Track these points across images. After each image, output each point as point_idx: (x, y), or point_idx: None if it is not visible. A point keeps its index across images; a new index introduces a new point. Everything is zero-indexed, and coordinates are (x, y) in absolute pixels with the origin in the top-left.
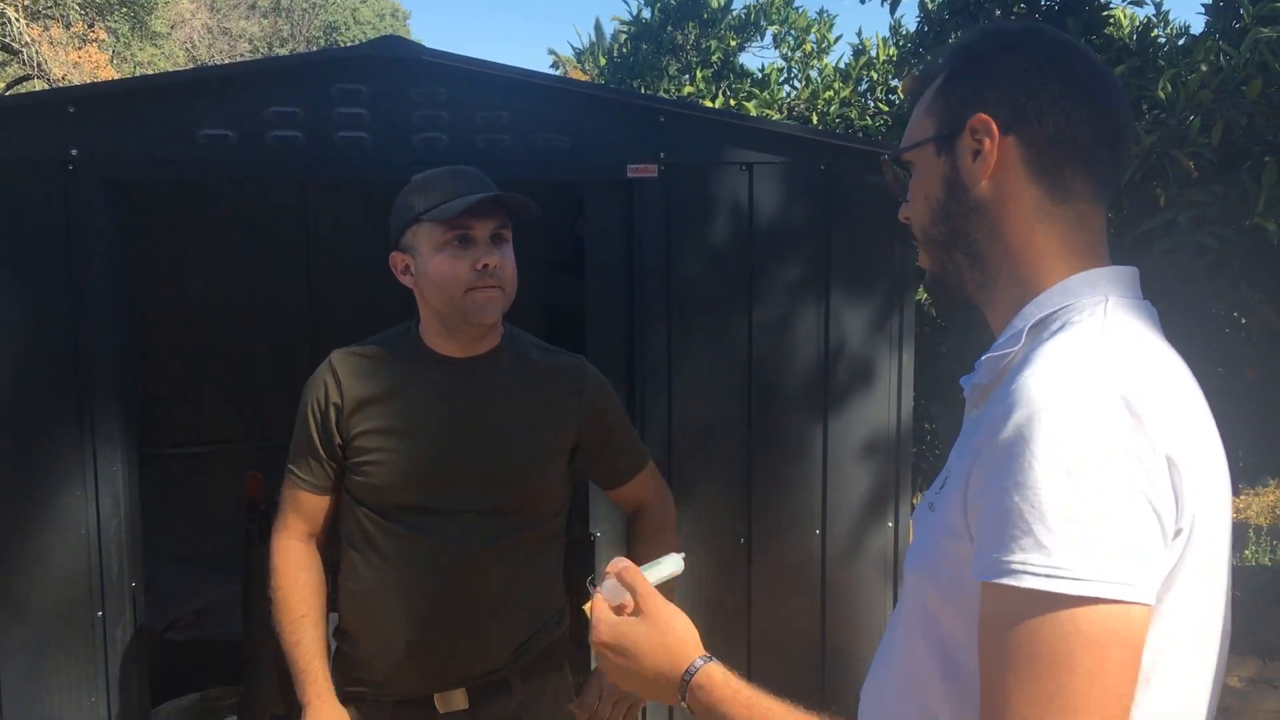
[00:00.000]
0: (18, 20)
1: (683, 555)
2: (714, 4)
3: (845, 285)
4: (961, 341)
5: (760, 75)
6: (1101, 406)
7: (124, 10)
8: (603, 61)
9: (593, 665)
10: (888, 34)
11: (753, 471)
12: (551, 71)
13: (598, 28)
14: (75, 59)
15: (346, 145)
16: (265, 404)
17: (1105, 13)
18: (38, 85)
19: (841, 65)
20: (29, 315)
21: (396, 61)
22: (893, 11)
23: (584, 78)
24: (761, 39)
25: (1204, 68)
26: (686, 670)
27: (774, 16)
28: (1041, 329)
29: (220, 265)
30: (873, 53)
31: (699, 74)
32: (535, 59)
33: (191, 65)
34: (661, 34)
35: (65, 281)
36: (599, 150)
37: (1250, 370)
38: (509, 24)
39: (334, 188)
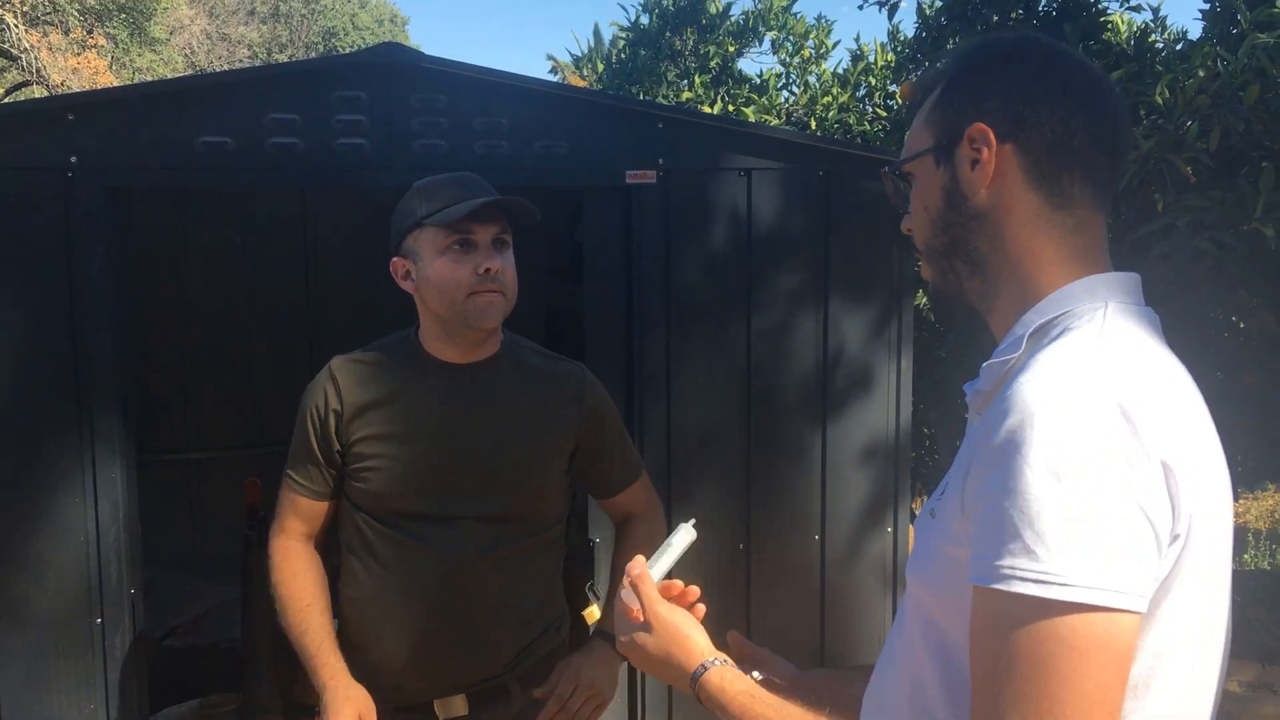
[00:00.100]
0: (16, 26)
1: (692, 522)
2: (712, 10)
3: (844, 291)
4: (960, 346)
5: (759, 81)
6: (1094, 412)
7: (123, 16)
8: (601, 68)
9: None
10: (886, 40)
11: (752, 477)
12: (550, 77)
13: (596, 33)
14: (74, 65)
15: (345, 152)
16: (265, 410)
17: (1103, 18)
18: (37, 91)
19: (840, 71)
20: (29, 321)
21: (395, 68)
22: (891, 17)
23: (582, 84)
24: (760, 45)
25: (1201, 73)
26: (693, 677)
27: (772, 22)
28: (1041, 335)
29: (220, 271)
30: (871, 58)
31: (697, 80)
32: (534, 64)
33: (190, 71)
34: (660, 40)
35: (65, 288)
36: (598, 156)
37: (1249, 375)
38: (507, 29)
39: (333, 194)
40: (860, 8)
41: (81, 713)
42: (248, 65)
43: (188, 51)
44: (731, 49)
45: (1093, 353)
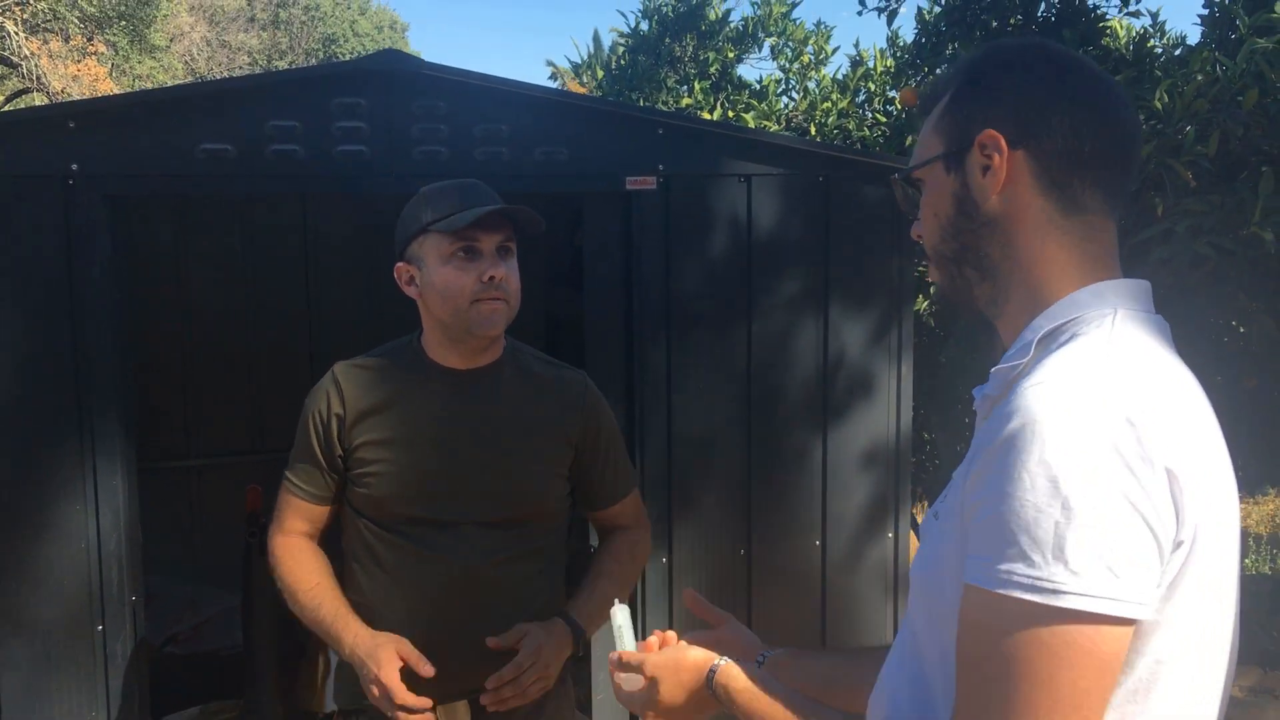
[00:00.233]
0: (17, 34)
1: (625, 607)
2: (712, 16)
3: (844, 296)
4: (961, 351)
5: (758, 86)
6: (1097, 418)
7: (123, 24)
8: (600, 74)
9: (593, 677)
10: (885, 45)
11: (752, 483)
12: (549, 84)
13: (596, 39)
14: (74, 72)
15: (346, 159)
16: (265, 417)
17: (1102, 24)
18: (37, 98)
19: (839, 76)
20: (30, 328)
21: (396, 75)
22: (890, 23)
23: (582, 90)
24: (759, 50)
25: (1200, 78)
26: (709, 689)
27: (772, 28)
28: (1050, 341)
29: (220, 278)
30: (870, 64)
31: (697, 86)
32: (533, 71)
33: (190, 78)
34: (659, 46)
35: (66, 295)
36: (598, 163)
37: (1249, 379)
38: (507, 36)
39: (334, 201)
40: (859, 14)
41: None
42: (248, 72)
43: (188, 58)
44: (731, 55)
45: (1099, 359)
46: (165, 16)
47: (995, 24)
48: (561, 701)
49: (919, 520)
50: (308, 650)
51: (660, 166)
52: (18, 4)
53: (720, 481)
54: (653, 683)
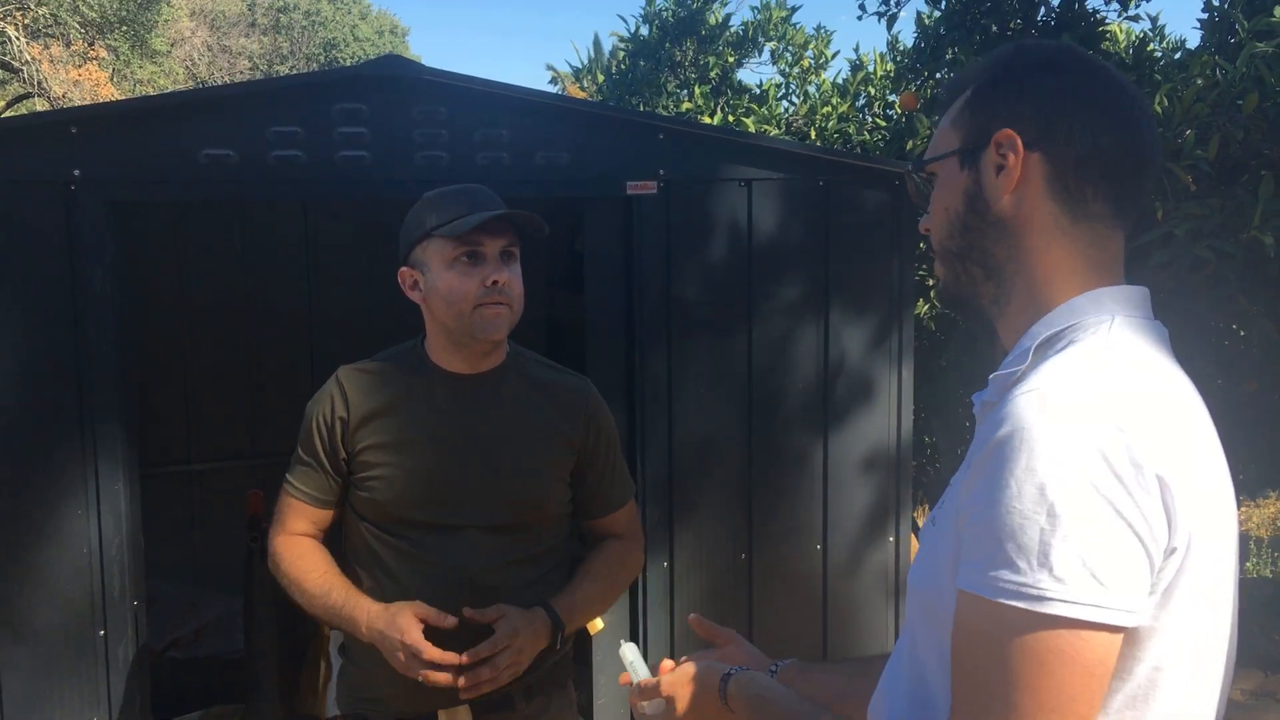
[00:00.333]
0: (18, 39)
1: (632, 644)
2: (712, 21)
3: (844, 300)
4: (961, 355)
5: (758, 91)
6: (1085, 426)
7: (124, 29)
8: (601, 78)
9: (594, 684)
10: (885, 50)
11: (753, 487)
12: (549, 88)
13: (596, 44)
14: (75, 77)
15: (347, 164)
16: (267, 421)
17: (1101, 28)
18: (38, 103)
19: (839, 81)
20: (32, 334)
21: (397, 81)
22: (889, 28)
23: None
24: (759, 55)
25: (1200, 82)
26: (720, 696)
27: (772, 33)
28: (1047, 348)
29: (222, 284)
30: (870, 68)
31: (697, 90)
32: (534, 74)
33: (191, 82)
34: (660, 51)
35: (67, 301)
36: (599, 167)
37: (1250, 382)
38: (508, 40)
39: (335, 206)
40: (859, 18)
41: None
42: (248, 77)
43: (189, 63)
44: (731, 59)
45: (1092, 366)
46: (166, 21)
47: (995, 29)
48: (563, 705)
49: (920, 524)
50: (309, 655)
51: (661, 171)
52: (19, 9)
53: (721, 486)
54: (670, 700)
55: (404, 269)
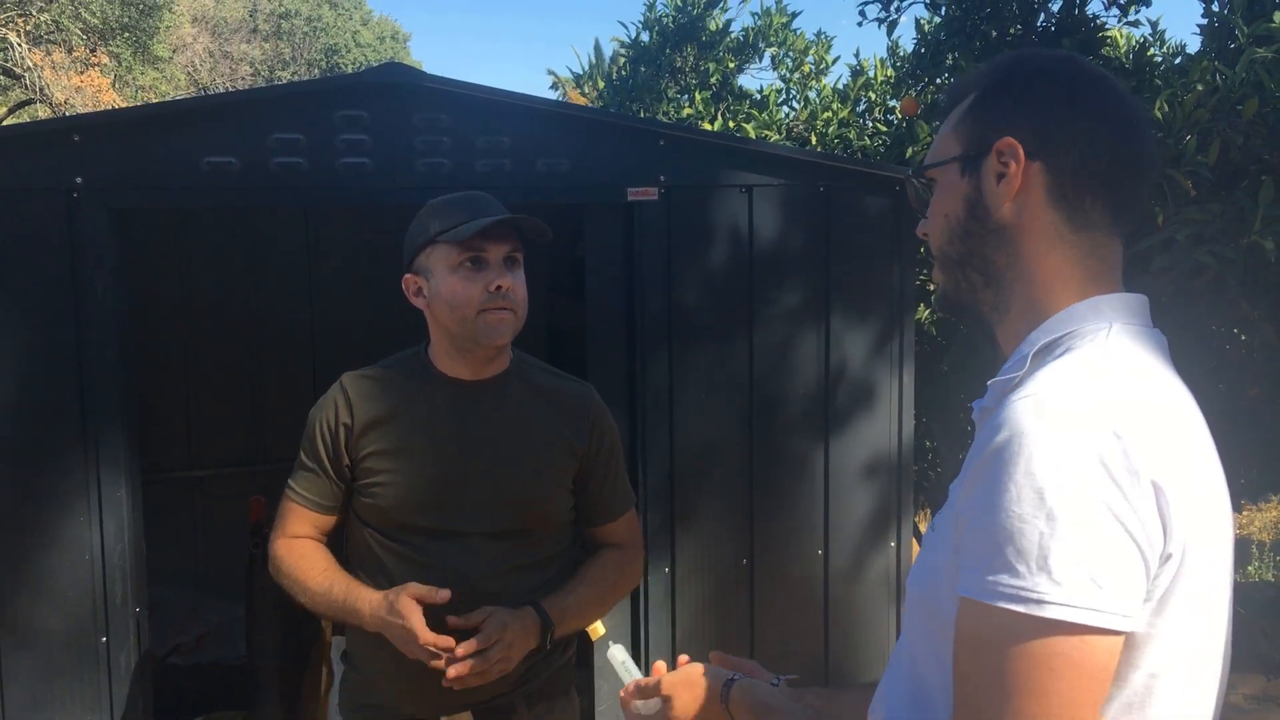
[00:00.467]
0: (20, 45)
1: (620, 645)
2: (712, 27)
3: (845, 306)
4: (962, 360)
5: (759, 96)
6: (1082, 431)
7: (126, 35)
8: (602, 84)
9: (596, 690)
10: (885, 55)
11: (754, 493)
12: (550, 93)
13: (597, 49)
14: (77, 83)
15: (349, 171)
16: (268, 427)
17: (1101, 33)
18: (40, 109)
19: (840, 86)
20: (33, 340)
21: (398, 88)
22: (890, 33)
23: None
24: (760, 61)
25: (1200, 87)
26: (720, 701)
27: (772, 38)
28: (1045, 354)
29: (224, 290)
30: (871, 74)
31: (698, 96)
32: (535, 80)
33: (193, 88)
34: (660, 56)
35: (69, 308)
36: (599, 174)
37: (1252, 387)
38: (509, 46)
39: (336, 213)
40: (860, 24)
41: None
42: (250, 83)
43: (190, 69)
44: (732, 65)
45: (1089, 372)
46: (168, 28)
47: (995, 34)
48: (566, 711)
49: (921, 529)
50: (311, 661)
51: (661, 177)
52: (21, 16)
53: (722, 491)
54: (667, 700)
55: (408, 276)
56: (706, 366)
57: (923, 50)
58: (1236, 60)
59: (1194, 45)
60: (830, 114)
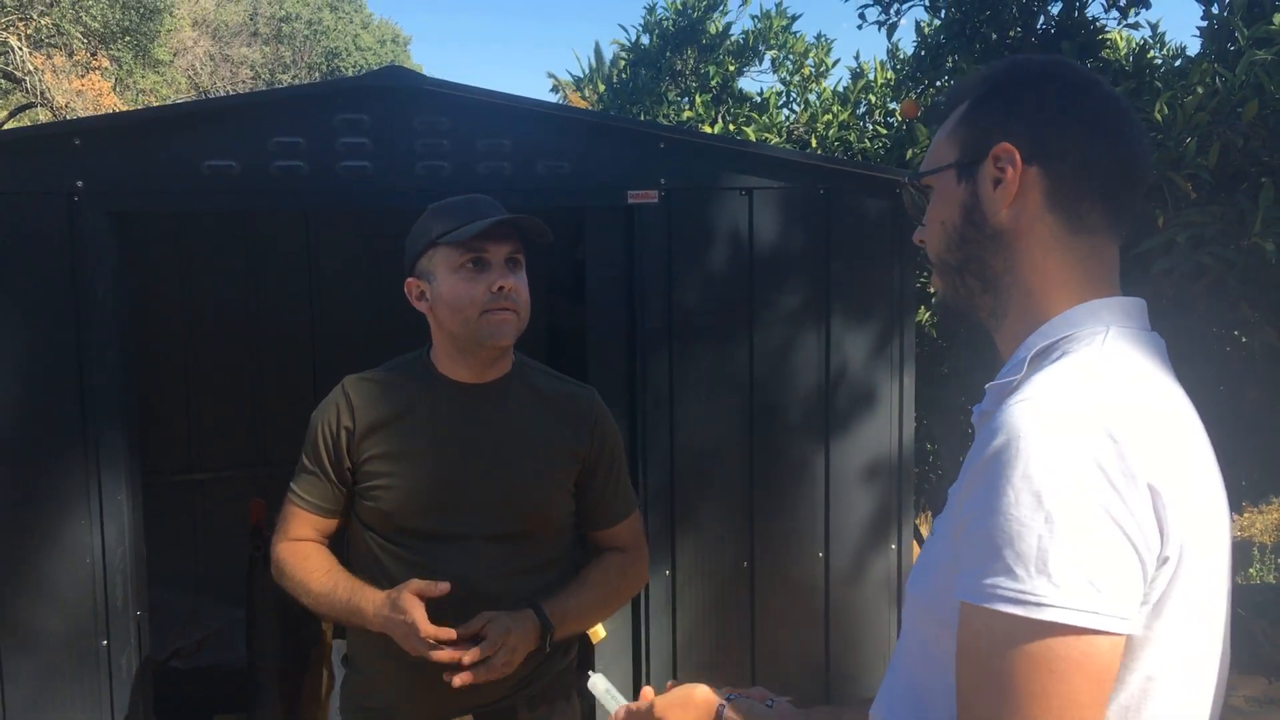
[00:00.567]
0: (21, 49)
1: (600, 674)
2: (712, 29)
3: (845, 308)
4: (963, 362)
5: (759, 99)
6: (1078, 434)
7: (127, 39)
8: (602, 88)
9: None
10: (885, 58)
11: (755, 495)
12: (551, 96)
13: (597, 52)
14: (78, 87)
15: (349, 174)
16: (268, 430)
17: (1101, 36)
18: (41, 113)
19: (840, 89)
20: (34, 344)
21: (398, 91)
22: (890, 36)
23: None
24: (760, 63)
25: (1200, 90)
26: None
27: (772, 41)
28: (1042, 358)
29: (224, 293)
30: (871, 76)
31: (698, 99)
32: (535, 83)
33: (194, 92)
34: (660, 59)
35: (70, 311)
36: (600, 176)
37: (1253, 390)
38: (509, 49)
39: (337, 216)
40: (859, 27)
41: None
42: (251, 86)
43: (191, 73)
44: (732, 68)
45: (1085, 375)
46: (169, 31)
47: (995, 37)
48: (567, 715)
49: (923, 531)
50: (311, 664)
51: (662, 180)
52: (22, 20)
53: (723, 494)
54: None
55: (410, 279)
56: (707, 369)
57: (922, 53)
58: (1236, 62)
59: (1194, 47)
60: (830, 116)
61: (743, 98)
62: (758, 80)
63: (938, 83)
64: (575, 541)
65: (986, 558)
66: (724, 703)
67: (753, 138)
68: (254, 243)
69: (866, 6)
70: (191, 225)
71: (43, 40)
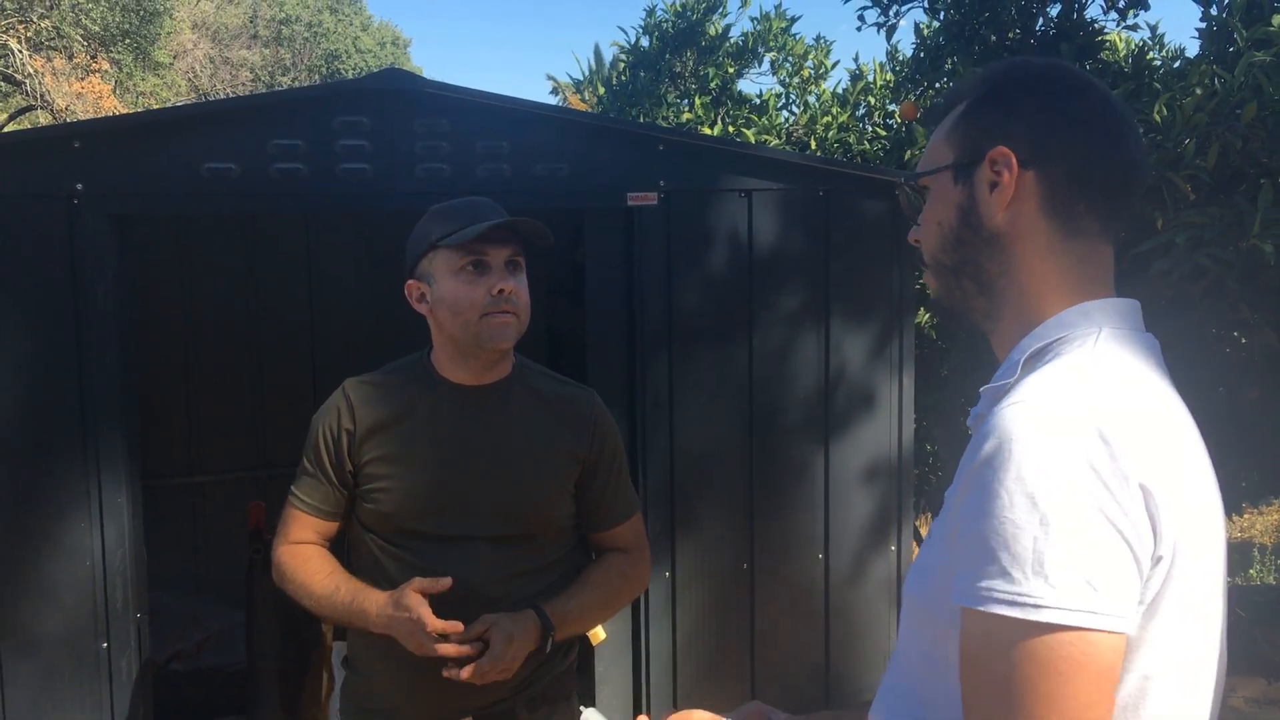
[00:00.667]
0: (21, 51)
1: (593, 710)
2: (711, 32)
3: (845, 310)
4: (962, 364)
5: (758, 101)
6: (1071, 436)
7: (127, 41)
8: (601, 90)
9: (597, 695)
10: (885, 60)
11: (754, 497)
12: (551, 98)
13: (597, 54)
14: (78, 90)
15: (349, 177)
16: (268, 434)
17: (1100, 37)
18: (41, 116)
19: (839, 91)
20: (34, 347)
21: (398, 94)
22: (889, 38)
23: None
24: (759, 65)
25: (1199, 91)
26: None
27: (771, 43)
28: (1035, 360)
29: (224, 296)
30: (870, 78)
31: (697, 101)
32: (535, 85)
33: (193, 94)
34: (660, 62)
35: (70, 314)
36: (599, 179)
37: (1252, 390)
38: (509, 50)
39: (337, 218)
40: (859, 29)
41: None
42: (250, 88)
43: (191, 75)
44: (731, 70)
45: (1076, 377)
46: (168, 34)
47: (994, 38)
48: (567, 717)
49: (922, 533)
50: (311, 666)
51: (661, 182)
52: (22, 22)
53: (722, 496)
54: None
55: (410, 282)
56: (706, 370)
57: (922, 55)
58: (1235, 64)
59: (1193, 49)
60: (829, 118)
61: (742, 100)
62: (757, 82)
63: (937, 84)
64: (577, 543)
65: (982, 561)
66: None
67: (752, 140)
68: (254, 245)
69: (866, 8)
70: (191, 228)
71: (43, 43)
